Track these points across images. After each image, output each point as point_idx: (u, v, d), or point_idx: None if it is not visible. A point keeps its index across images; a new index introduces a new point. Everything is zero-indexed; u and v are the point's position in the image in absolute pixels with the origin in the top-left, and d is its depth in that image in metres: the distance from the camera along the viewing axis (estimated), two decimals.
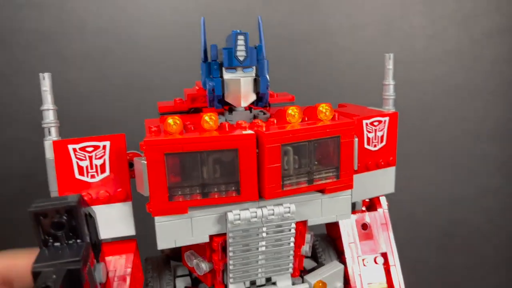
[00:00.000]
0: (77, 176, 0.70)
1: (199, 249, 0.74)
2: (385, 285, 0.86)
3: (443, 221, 1.65)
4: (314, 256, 0.89)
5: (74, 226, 0.56)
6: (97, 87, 1.35)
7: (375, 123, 0.83)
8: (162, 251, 0.87)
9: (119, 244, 0.76)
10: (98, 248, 0.62)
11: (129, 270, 0.72)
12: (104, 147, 0.70)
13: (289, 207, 0.69)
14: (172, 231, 0.67)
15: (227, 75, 0.71)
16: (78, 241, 0.56)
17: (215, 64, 0.71)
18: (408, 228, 1.62)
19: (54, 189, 0.70)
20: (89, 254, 0.56)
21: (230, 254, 0.69)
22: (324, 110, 0.70)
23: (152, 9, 1.36)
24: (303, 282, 0.78)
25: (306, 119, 0.71)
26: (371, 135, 0.83)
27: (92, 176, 0.71)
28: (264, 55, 0.73)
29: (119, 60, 1.35)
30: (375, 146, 0.84)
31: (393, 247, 0.88)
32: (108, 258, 0.72)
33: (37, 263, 0.51)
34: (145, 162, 0.63)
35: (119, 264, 0.73)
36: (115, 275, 0.70)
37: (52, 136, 0.71)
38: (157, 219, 0.66)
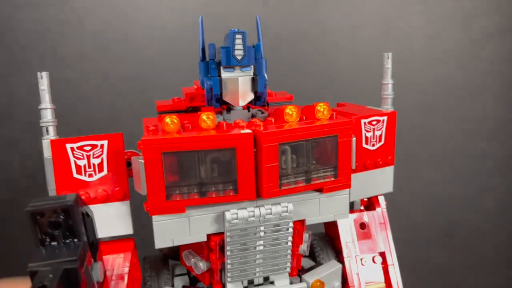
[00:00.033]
0: (75, 175, 0.70)
1: (197, 248, 0.74)
2: (383, 284, 0.86)
3: (442, 220, 1.65)
4: (312, 255, 0.89)
5: (71, 225, 0.55)
6: (95, 86, 1.35)
7: (373, 123, 0.83)
8: (161, 250, 0.88)
9: (117, 243, 0.76)
10: (95, 247, 0.62)
11: (126, 269, 0.72)
12: (102, 146, 0.70)
13: (287, 207, 0.69)
14: (169, 230, 0.67)
15: (225, 74, 0.71)
16: (75, 240, 0.56)
17: (213, 63, 0.71)
18: (407, 228, 1.62)
19: (52, 188, 0.70)
20: (86, 253, 0.56)
21: (228, 253, 0.69)
22: (322, 109, 0.70)
23: (150, 9, 1.36)
24: (301, 281, 0.78)
25: (304, 118, 0.71)
26: (369, 134, 0.83)
27: (90, 175, 0.71)
28: (262, 54, 0.73)
29: (118, 59, 1.35)
30: (373, 145, 0.84)
31: (391, 246, 0.88)
32: (106, 257, 0.72)
33: (34, 262, 0.51)
34: (143, 161, 0.63)
35: (117, 263, 0.73)
36: (113, 274, 0.70)
37: (50, 135, 0.71)
38: (155, 218, 0.66)
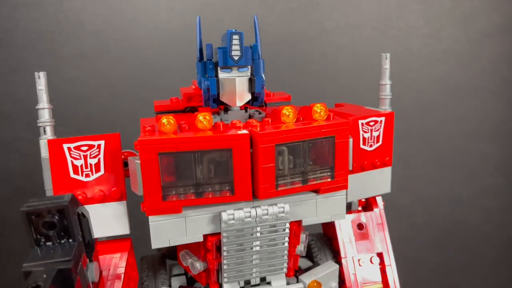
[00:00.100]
0: (72, 175, 0.70)
1: (194, 249, 0.75)
2: (381, 285, 0.86)
3: (441, 221, 1.65)
4: (309, 255, 0.89)
5: (66, 225, 0.56)
6: (94, 86, 1.35)
7: (371, 123, 0.83)
8: (159, 249, 0.88)
9: (113, 243, 0.77)
10: (91, 247, 0.62)
11: (123, 269, 0.72)
12: (98, 146, 0.70)
13: (283, 207, 0.69)
14: (166, 231, 0.67)
15: (222, 75, 0.71)
16: (70, 240, 0.56)
17: (210, 63, 0.71)
18: (406, 228, 1.62)
19: (49, 188, 0.70)
20: (80, 253, 0.57)
21: (224, 253, 0.69)
22: (319, 110, 0.70)
23: (148, 9, 1.36)
24: (297, 281, 0.78)
25: (301, 119, 0.71)
26: (367, 135, 0.83)
27: (87, 175, 0.71)
28: (259, 55, 0.73)
29: (116, 60, 1.35)
30: (371, 146, 0.84)
31: (389, 247, 0.88)
32: (102, 257, 0.72)
33: (28, 262, 0.52)
34: (139, 161, 0.63)
35: (113, 263, 0.73)
36: (109, 274, 0.71)
37: (47, 135, 0.71)
38: (151, 218, 0.66)
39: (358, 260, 0.86)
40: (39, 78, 0.70)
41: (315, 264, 0.87)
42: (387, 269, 0.86)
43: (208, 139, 0.64)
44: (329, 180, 0.71)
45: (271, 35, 1.40)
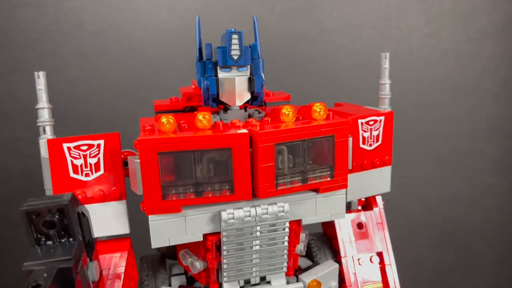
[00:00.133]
0: (72, 174, 0.70)
1: (193, 248, 0.75)
2: (380, 284, 0.86)
3: (441, 220, 1.65)
4: (309, 255, 0.89)
5: (66, 225, 0.56)
6: (94, 86, 1.35)
7: (371, 123, 0.83)
8: (159, 249, 0.88)
9: (113, 242, 0.77)
10: (91, 246, 0.63)
11: (123, 268, 0.72)
12: (98, 145, 0.70)
13: (283, 206, 0.69)
14: (166, 230, 0.67)
15: (221, 74, 0.71)
16: (71, 240, 0.56)
17: (209, 63, 0.71)
18: (405, 227, 1.62)
19: (49, 188, 0.71)
20: (81, 253, 0.57)
21: (224, 253, 0.69)
22: (318, 109, 0.70)
23: (148, 9, 1.36)
24: (297, 281, 0.78)
25: (301, 118, 0.71)
26: (366, 135, 0.83)
27: (87, 175, 0.71)
28: (259, 54, 0.73)
29: (116, 60, 1.36)
30: (370, 145, 0.84)
31: (388, 246, 0.88)
32: (102, 256, 0.72)
33: (29, 261, 0.52)
34: (139, 161, 0.64)
35: (113, 262, 0.73)
36: (109, 273, 0.71)
37: (47, 134, 0.71)
38: (151, 217, 0.66)
39: (358, 259, 0.86)
40: (38, 77, 0.70)
41: (315, 263, 0.87)
42: (387, 268, 0.86)
43: (207, 139, 0.64)
44: (328, 179, 0.71)
45: (271, 35, 1.40)
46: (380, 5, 1.47)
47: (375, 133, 0.84)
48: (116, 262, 0.73)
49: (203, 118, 0.66)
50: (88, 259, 0.61)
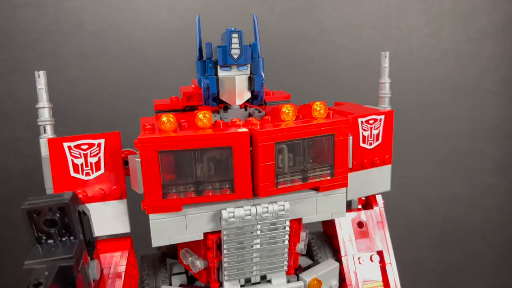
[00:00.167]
0: (72, 173, 0.70)
1: (194, 247, 0.75)
2: (381, 283, 0.86)
3: (440, 220, 1.65)
4: (309, 254, 0.89)
5: (67, 223, 0.56)
6: (94, 86, 1.35)
7: (371, 121, 0.83)
8: (159, 248, 0.88)
9: (114, 241, 0.77)
10: (92, 245, 0.63)
11: (123, 267, 0.72)
12: (99, 145, 0.70)
13: (284, 205, 0.69)
14: (166, 229, 0.67)
15: (221, 73, 0.71)
16: (71, 238, 0.56)
17: (210, 62, 0.71)
18: (405, 227, 1.62)
19: (49, 187, 0.71)
20: (82, 251, 0.57)
21: (225, 251, 0.69)
22: (319, 108, 0.70)
23: (148, 9, 1.36)
24: (298, 280, 0.78)
25: (301, 117, 0.71)
26: (366, 134, 0.83)
27: (87, 174, 0.71)
28: (259, 53, 0.73)
29: (116, 59, 1.36)
30: (370, 144, 0.84)
31: (389, 245, 0.88)
32: (103, 256, 0.72)
33: (30, 260, 0.52)
34: (139, 159, 0.64)
35: (114, 262, 0.73)
36: (110, 272, 0.71)
37: (47, 134, 0.71)
38: (152, 216, 0.66)
39: (358, 258, 0.86)
40: (39, 77, 0.70)
41: (315, 262, 0.87)
42: (387, 267, 0.86)
43: (208, 137, 0.64)
44: (329, 178, 0.71)
45: (271, 35, 1.41)
46: (380, 5, 1.47)
47: (375, 132, 0.84)
48: (117, 261, 0.73)
49: (204, 117, 0.66)
50: (89, 257, 0.61)
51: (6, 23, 1.28)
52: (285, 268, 0.75)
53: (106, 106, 1.37)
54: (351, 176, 0.78)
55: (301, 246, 0.78)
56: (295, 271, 0.79)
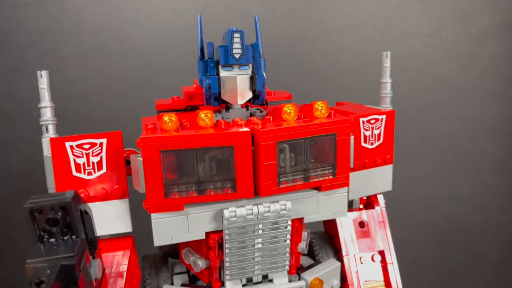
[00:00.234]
0: (74, 173, 0.70)
1: (196, 246, 0.75)
2: (382, 283, 0.86)
3: (441, 219, 1.65)
4: (311, 253, 0.89)
5: (69, 222, 0.56)
6: (94, 86, 1.35)
7: (372, 121, 0.83)
8: (161, 248, 0.88)
9: (116, 240, 0.77)
10: (94, 244, 0.63)
11: (125, 266, 0.72)
12: (101, 144, 0.70)
13: (285, 204, 0.69)
14: (168, 228, 0.67)
15: (223, 73, 0.71)
16: (73, 237, 0.57)
17: (211, 62, 0.71)
18: (406, 226, 1.62)
19: (51, 186, 0.71)
20: (83, 250, 0.57)
21: (227, 251, 0.69)
22: (320, 107, 0.70)
23: (149, 9, 1.36)
24: (299, 279, 0.78)
25: (302, 116, 0.72)
26: (368, 133, 0.83)
27: (89, 173, 0.71)
28: (260, 53, 0.73)
29: (116, 59, 1.36)
30: (372, 144, 0.84)
31: (390, 245, 0.88)
32: (105, 255, 0.72)
33: (32, 258, 0.52)
34: (141, 159, 0.64)
35: (115, 261, 0.73)
36: (112, 271, 0.71)
37: (49, 133, 0.71)
38: (154, 216, 0.66)
39: (360, 258, 0.86)
40: (41, 77, 0.70)
41: (316, 262, 0.87)
42: (389, 267, 0.86)
43: (210, 137, 0.64)
44: (330, 177, 0.71)
45: (272, 35, 1.41)
46: (381, 5, 1.47)
47: (376, 131, 0.84)
48: (119, 261, 0.73)
49: (205, 117, 0.66)
50: (90, 257, 0.61)
51: (6, 23, 1.28)
52: (287, 267, 0.75)
53: (106, 106, 1.37)
54: (353, 175, 0.78)
55: (302, 246, 0.78)
56: (297, 270, 0.79)
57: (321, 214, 0.74)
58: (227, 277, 0.72)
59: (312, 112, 0.70)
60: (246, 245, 0.70)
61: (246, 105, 0.76)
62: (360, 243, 0.87)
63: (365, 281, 0.85)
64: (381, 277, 0.87)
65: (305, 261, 0.88)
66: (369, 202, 0.91)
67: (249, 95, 0.73)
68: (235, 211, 0.67)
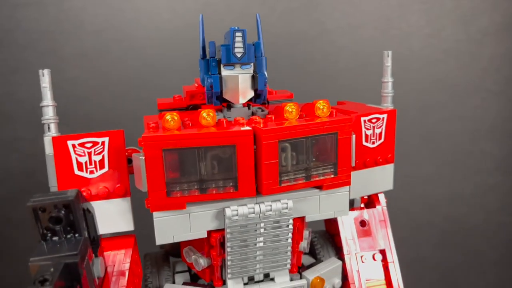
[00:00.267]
0: (76, 172, 0.70)
1: (197, 245, 0.75)
2: (383, 281, 0.86)
3: (441, 219, 1.66)
4: (312, 252, 0.89)
5: (72, 220, 0.56)
6: (94, 86, 1.35)
7: (373, 120, 0.83)
8: (162, 246, 0.88)
9: (118, 239, 0.77)
10: (96, 243, 0.63)
11: (127, 265, 0.72)
12: (103, 143, 0.70)
13: (287, 203, 0.69)
14: (170, 227, 0.67)
15: (225, 72, 0.71)
16: (76, 235, 0.57)
17: (213, 61, 0.71)
18: (406, 226, 1.62)
19: (53, 185, 0.71)
20: (86, 248, 0.57)
21: (228, 249, 0.69)
22: (322, 106, 0.70)
23: (149, 9, 1.36)
24: (301, 278, 0.78)
25: (304, 115, 0.72)
26: (369, 132, 0.83)
27: (91, 172, 0.71)
28: (262, 52, 0.73)
29: (116, 59, 1.36)
30: (373, 143, 0.84)
31: (391, 244, 0.88)
32: (107, 253, 0.73)
33: (35, 256, 0.52)
34: (143, 157, 0.64)
35: (118, 259, 0.73)
36: (114, 270, 0.71)
37: (51, 132, 0.71)
38: (156, 214, 0.66)
39: (361, 256, 0.86)
40: (43, 75, 0.70)
41: (318, 260, 0.87)
42: (390, 266, 0.86)
43: (212, 136, 0.64)
44: (332, 176, 0.71)
45: (272, 35, 1.41)
46: (381, 5, 1.47)
47: (377, 130, 0.84)
48: (121, 259, 0.73)
49: (207, 115, 0.66)
50: (93, 255, 0.61)
51: (7, 23, 1.28)
52: (288, 266, 0.75)
53: (106, 105, 1.37)
54: (354, 174, 0.78)
55: (304, 245, 0.78)
56: (298, 269, 0.79)
57: (322, 213, 0.74)
58: (229, 275, 0.72)
59: (314, 111, 0.70)
60: (248, 243, 0.70)
61: (247, 104, 0.76)
62: (361, 242, 0.87)
63: (366, 280, 0.86)
64: (382, 276, 0.87)
65: (306, 260, 0.88)
66: (370, 201, 0.91)
67: (251, 94, 0.74)
68: (237, 210, 0.67)
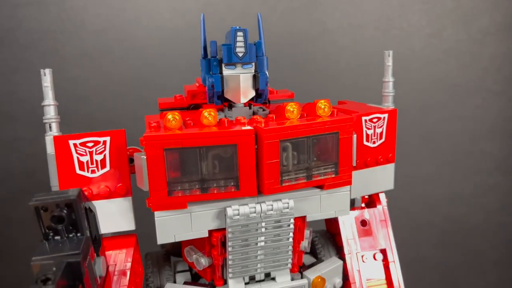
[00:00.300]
0: (78, 171, 0.70)
1: (198, 244, 0.75)
2: (384, 281, 0.86)
3: (441, 219, 1.66)
4: (313, 252, 0.89)
5: (74, 220, 0.56)
6: (96, 86, 1.35)
7: (374, 120, 0.83)
8: (163, 246, 0.88)
9: (119, 238, 0.77)
10: (98, 242, 0.63)
11: (129, 264, 0.72)
12: (104, 142, 0.70)
13: (288, 203, 0.69)
14: (171, 226, 0.67)
15: (226, 72, 0.71)
16: (78, 234, 0.57)
17: (214, 60, 0.71)
18: (406, 226, 1.62)
19: (55, 184, 0.71)
20: (88, 247, 0.57)
21: (229, 249, 0.69)
22: (323, 106, 0.70)
23: (150, 8, 1.36)
24: (302, 277, 0.78)
25: (305, 115, 0.72)
26: (370, 132, 0.83)
27: (93, 171, 0.71)
28: (263, 52, 0.73)
29: (118, 59, 1.36)
30: (374, 142, 0.84)
31: (392, 243, 0.88)
32: (108, 253, 0.73)
33: (37, 256, 0.52)
34: (145, 157, 0.64)
35: (119, 259, 0.73)
36: (115, 269, 0.71)
37: (53, 131, 0.71)
38: (157, 214, 0.66)
39: (362, 256, 0.87)
40: (44, 75, 0.70)
41: (318, 260, 0.87)
42: (391, 265, 0.86)
43: (213, 135, 0.64)
44: (333, 176, 0.71)
45: (273, 35, 1.41)
46: (382, 5, 1.47)
47: (378, 130, 0.84)
48: (122, 259, 0.73)
49: (209, 115, 0.66)
50: (95, 254, 0.61)
51: (8, 23, 1.28)
52: (289, 265, 0.75)
53: (107, 105, 1.37)
54: (355, 174, 0.78)
55: (305, 244, 0.78)
56: (299, 269, 0.79)
57: (323, 213, 0.74)
58: (230, 275, 0.72)
59: (315, 111, 0.70)
60: (249, 243, 0.70)
61: (249, 104, 0.76)
62: (362, 242, 0.87)
63: (367, 280, 0.86)
64: (383, 276, 0.87)
65: (307, 259, 0.88)
66: (371, 201, 0.92)
67: (252, 93, 0.74)
68: (238, 209, 0.67)
